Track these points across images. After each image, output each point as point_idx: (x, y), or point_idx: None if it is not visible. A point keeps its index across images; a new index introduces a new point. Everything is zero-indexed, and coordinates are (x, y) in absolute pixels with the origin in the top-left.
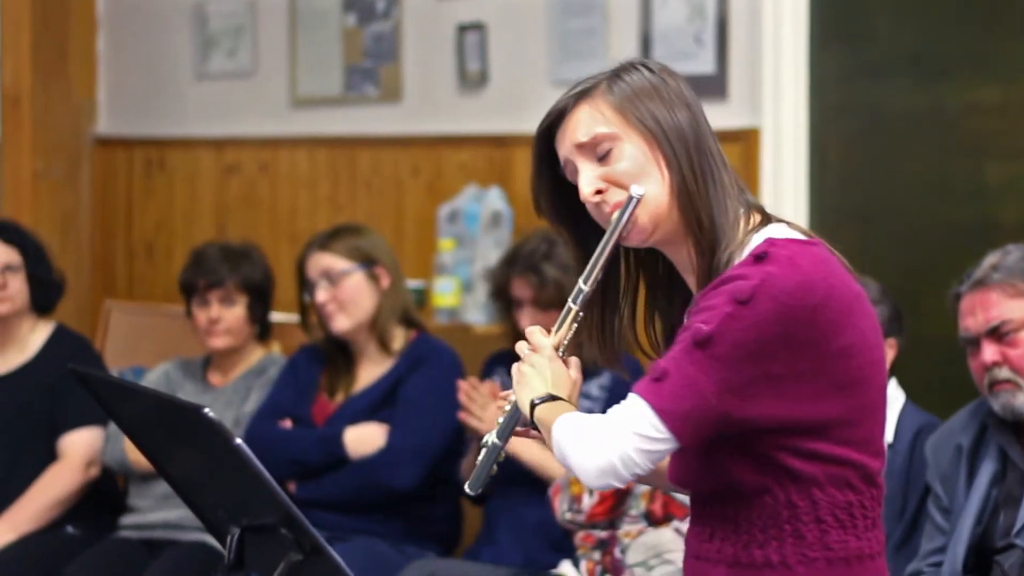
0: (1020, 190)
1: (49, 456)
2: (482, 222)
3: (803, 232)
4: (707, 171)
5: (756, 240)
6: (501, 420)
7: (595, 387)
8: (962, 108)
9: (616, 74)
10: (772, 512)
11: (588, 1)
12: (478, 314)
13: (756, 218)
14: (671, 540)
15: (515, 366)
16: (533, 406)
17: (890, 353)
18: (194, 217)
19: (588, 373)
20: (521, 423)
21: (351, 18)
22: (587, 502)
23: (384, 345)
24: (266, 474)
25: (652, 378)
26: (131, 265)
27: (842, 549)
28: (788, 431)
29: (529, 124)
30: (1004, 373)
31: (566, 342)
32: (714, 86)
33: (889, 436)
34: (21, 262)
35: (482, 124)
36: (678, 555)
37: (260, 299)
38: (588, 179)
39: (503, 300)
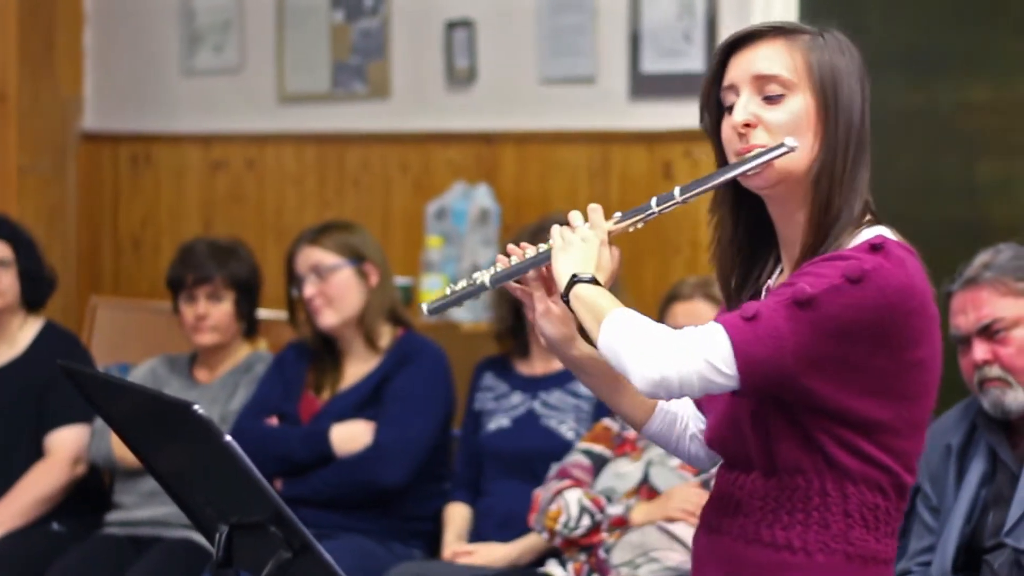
0: (1012, 188)
1: (36, 453)
2: (470, 219)
3: (903, 240)
4: (858, 164)
5: (866, 233)
6: (500, 266)
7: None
8: (954, 106)
9: (822, 34)
10: (804, 496)
11: None
12: (466, 312)
13: (867, 216)
14: (656, 539)
15: (559, 229)
16: (574, 280)
17: None
18: (181, 213)
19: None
20: (525, 279)
21: (339, 14)
22: (560, 535)
23: (371, 342)
24: (255, 471)
25: (742, 316)
26: (117, 261)
27: (863, 547)
28: (839, 419)
29: (518, 121)
30: (995, 371)
31: (616, 234)
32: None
33: None
34: (12, 257)
35: (470, 121)
36: (664, 553)
37: (247, 295)
38: (743, 108)
39: None
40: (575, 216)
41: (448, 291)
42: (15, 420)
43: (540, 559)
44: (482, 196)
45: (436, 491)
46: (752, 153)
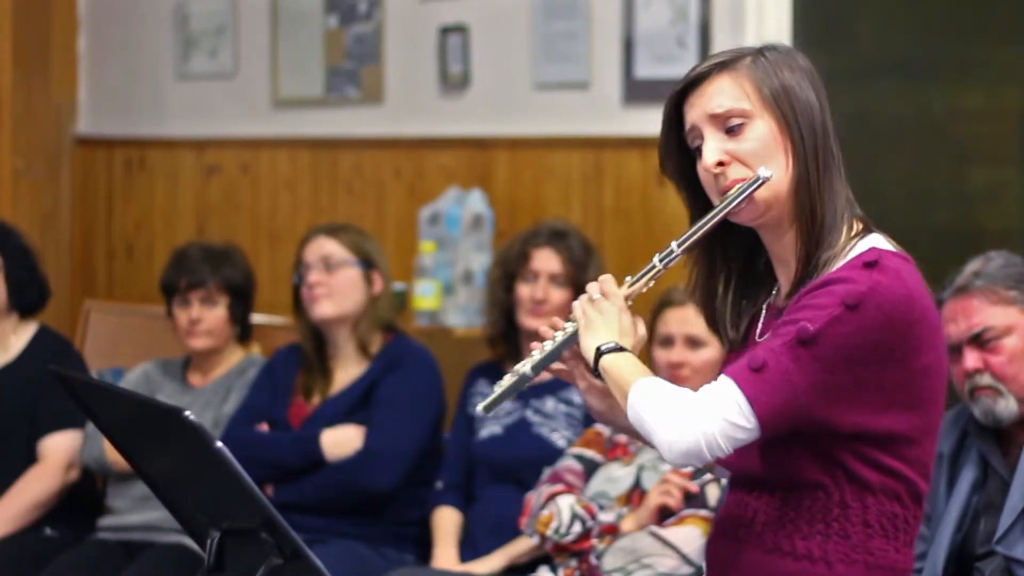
0: (1003, 196)
1: (29, 458)
2: (463, 224)
3: (897, 247)
4: (830, 168)
5: (860, 246)
6: (537, 353)
7: (575, 394)
8: (946, 113)
9: (762, 53)
10: (823, 507)
11: (571, 4)
12: (458, 317)
13: (858, 225)
14: (649, 545)
15: (579, 305)
16: (600, 353)
17: None
18: (174, 218)
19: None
20: (563, 359)
21: (333, 19)
22: (551, 540)
23: (362, 348)
24: (246, 477)
25: (750, 367)
26: (111, 265)
27: (882, 557)
28: (858, 437)
29: (511, 127)
30: (986, 380)
31: (633, 298)
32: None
33: None
34: (1, 263)
35: (464, 126)
36: (657, 559)
37: (241, 300)
38: (713, 149)
39: (509, 273)
40: (592, 287)
41: (497, 389)
42: (8, 425)
43: (531, 564)
44: (476, 201)
45: (428, 496)
46: (732, 191)
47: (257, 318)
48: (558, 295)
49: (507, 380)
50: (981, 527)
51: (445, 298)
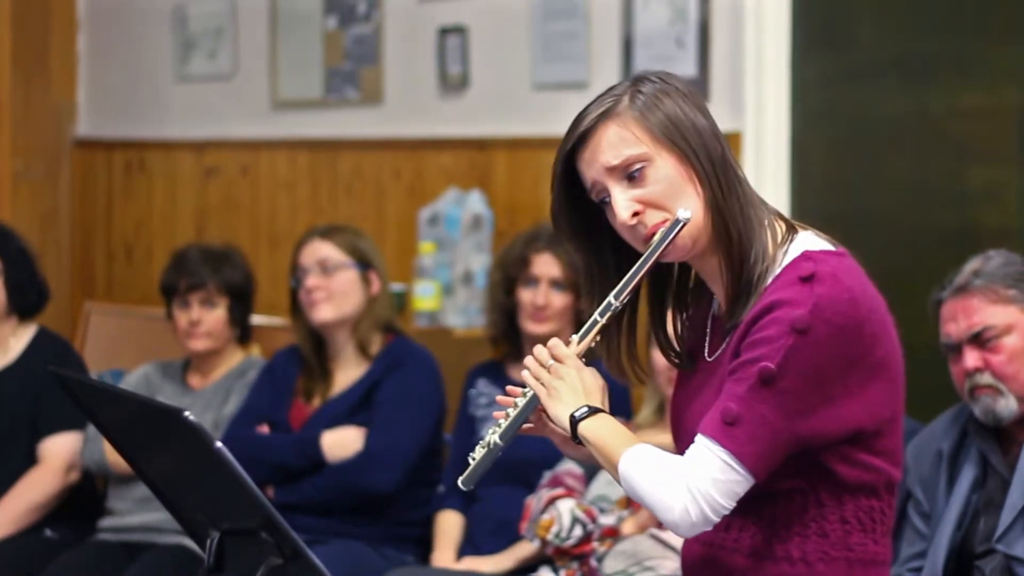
0: (1002, 195)
1: (30, 459)
2: (463, 225)
3: (829, 241)
4: (732, 183)
5: (792, 252)
6: (503, 421)
7: None
8: (945, 112)
9: (637, 88)
10: (799, 508)
11: (570, 4)
12: (458, 317)
13: (781, 227)
14: (650, 547)
15: (532, 372)
16: (575, 420)
17: None
18: (174, 219)
19: None
20: (529, 422)
21: (332, 20)
22: (552, 544)
23: (362, 349)
24: (246, 477)
25: (724, 422)
26: (110, 267)
27: (862, 551)
28: (840, 442)
29: (510, 127)
30: (986, 379)
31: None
32: (696, 90)
33: None
34: (0, 266)
35: (463, 127)
36: (658, 562)
37: (241, 302)
38: (624, 203)
39: (509, 277)
40: (541, 354)
41: (472, 463)
42: (8, 427)
43: (533, 566)
44: (475, 202)
45: (428, 496)
46: (656, 238)
47: (257, 319)
48: (559, 300)
49: (479, 453)
50: (981, 525)
51: (445, 299)
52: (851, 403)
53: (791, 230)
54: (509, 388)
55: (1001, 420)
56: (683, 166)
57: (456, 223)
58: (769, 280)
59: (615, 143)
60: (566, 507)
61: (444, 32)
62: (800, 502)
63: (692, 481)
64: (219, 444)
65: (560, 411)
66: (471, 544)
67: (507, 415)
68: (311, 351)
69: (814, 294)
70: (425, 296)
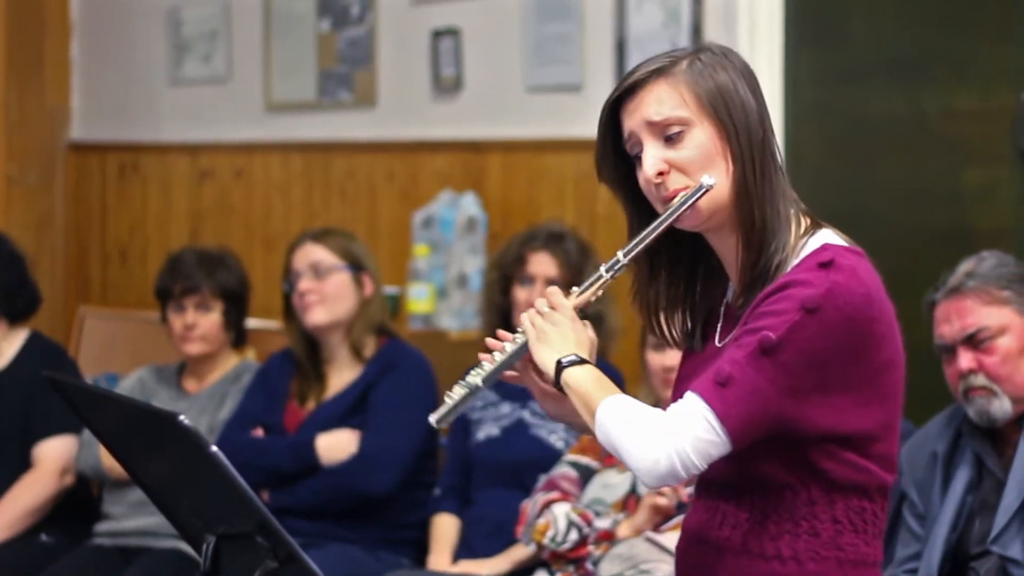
0: (996, 195)
1: (24, 464)
2: (457, 228)
3: (849, 242)
4: (768, 170)
5: (812, 243)
6: (488, 364)
7: None
8: (939, 112)
9: (697, 55)
10: (790, 506)
11: (563, 6)
12: (452, 320)
13: (806, 221)
14: (646, 551)
15: (528, 317)
16: (561, 366)
17: None
18: (168, 223)
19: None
20: (514, 367)
21: (326, 23)
22: (548, 548)
23: (356, 352)
24: (241, 481)
25: (716, 382)
26: (105, 271)
27: (853, 552)
28: (826, 438)
29: (504, 129)
30: (980, 380)
31: (583, 307)
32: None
33: None
34: None
35: (457, 130)
36: (654, 565)
37: (236, 305)
38: (653, 160)
39: (505, 276)
40: (540, 302)
41: (448, 400)
42: (2, 431)
43: (528, 569)
44: (469, 204)
45: (423, 499)
46: (677, 200)
47: (251, 323)
48: None
49: (458, 392)
50: (976, 527)
51: (439, 301)
52: (845, 401)
53: (815, 226)
54: (500, 332)
55: (995, 421)
56: (721, 140)
57: (450, 225)
58: (788, 268)
59: (662, 99)
60: (561, 511)
61: (437, 34)
62: (791, 499)
63: (671, 433)
64: (214, 448)
65: (547, 356)
66: (467, 547)
67: (493, 359)
68: (305, 354)
69: (830, 279)
70: (419, 299)
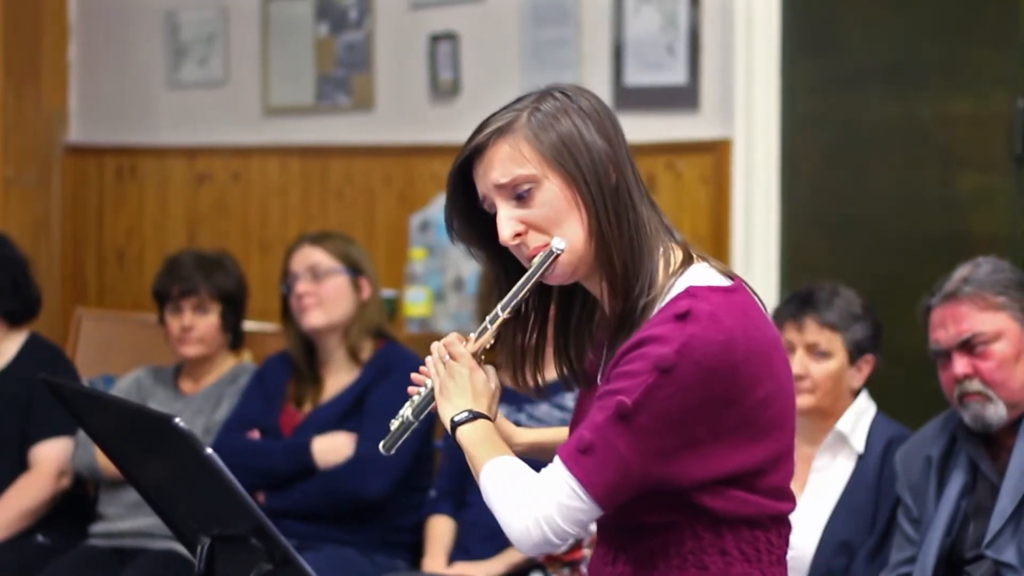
0: (992, 202)
1: (21, 466)
2: None
3: (725, 272)
4: (622, 213)
5: (678, 286)
6: (417, 398)
7: (570, 399)
8: (934, 119)
9: (535, 107)
10: (676, 542)
11: (560, 11)
12: (449, 323)
13: (677, 258)
14: None
15: (431, 366)
16: (455, 424)
17: (866, 369)
18: (165, 225)
19: (561, 387)
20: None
21: (323, 27)
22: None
23: (353, 355)
24: (236, 484)
25: (578, 449)
26: (102, 273)
27: None
28: (706, 484)
29: None
30: (975, 386)
31: (483, 352)
32: (686, 97)
33: (860, 447)
34: None
35: (454, 134)
36: None
37: (233, 308)
38: (506, 223)
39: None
40: (438, 349)
41: (392, 427)
42: (1, 432)
43: (524, 571)
44: None
45: (419, 501)
46: (534, 263)
47: (249, 325)
48: None
49: (394, 424)
50: (970, 531)
51: (436, 305)
52: (720, 448)
53: (687, 261)
54: (422, 368)
55: (990, 427)
56: (570, 190)
57: None
58: (655, 311)
59: (505, 161)
60: None
61: (435, 39)
62: (677, 535)
63: (538, 502)
64: (210, 450)
65: (445, 411)
66: (462, 550)
67: (420, 393)
68: (302, 357)
69: (685, 333)
70: (416, 302)
